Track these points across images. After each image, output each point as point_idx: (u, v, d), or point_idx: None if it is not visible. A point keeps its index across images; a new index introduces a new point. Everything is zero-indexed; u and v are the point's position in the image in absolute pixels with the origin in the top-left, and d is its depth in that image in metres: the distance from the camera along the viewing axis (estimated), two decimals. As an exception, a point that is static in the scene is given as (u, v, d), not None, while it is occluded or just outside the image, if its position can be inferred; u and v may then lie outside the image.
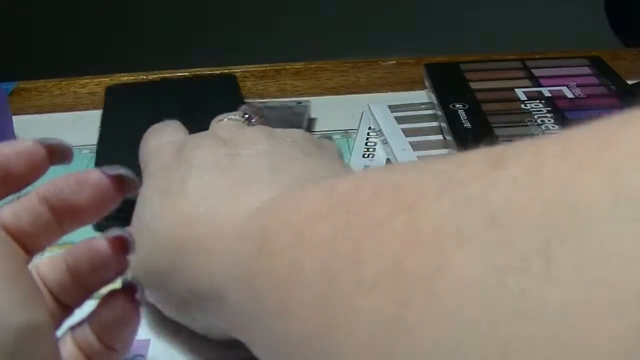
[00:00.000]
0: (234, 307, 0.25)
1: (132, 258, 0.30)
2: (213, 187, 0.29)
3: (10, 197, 0.25)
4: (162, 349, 0.32)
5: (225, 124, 0.35)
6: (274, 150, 0.31)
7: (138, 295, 0.26)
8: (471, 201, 0.16)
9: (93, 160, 0.46)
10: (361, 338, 0.18)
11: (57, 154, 0.25)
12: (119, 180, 0.25)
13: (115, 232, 0.25)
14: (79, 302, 0.27)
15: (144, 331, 0.32)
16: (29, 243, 0.24)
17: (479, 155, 0.18)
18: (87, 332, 0.26)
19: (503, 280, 0.14)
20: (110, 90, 0.53)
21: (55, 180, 0.25)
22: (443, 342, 0.15)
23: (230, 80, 0.54)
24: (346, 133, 0.50)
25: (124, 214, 0.29)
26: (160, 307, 0.31)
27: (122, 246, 0.25)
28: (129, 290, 0.26)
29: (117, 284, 0.27)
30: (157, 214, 0.29)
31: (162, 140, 0.34)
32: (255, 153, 0.30)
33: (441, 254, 0.16)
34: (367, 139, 0.48)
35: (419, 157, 0.44)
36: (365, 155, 0.46)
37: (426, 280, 0.16)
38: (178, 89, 0.53)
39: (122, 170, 0.25)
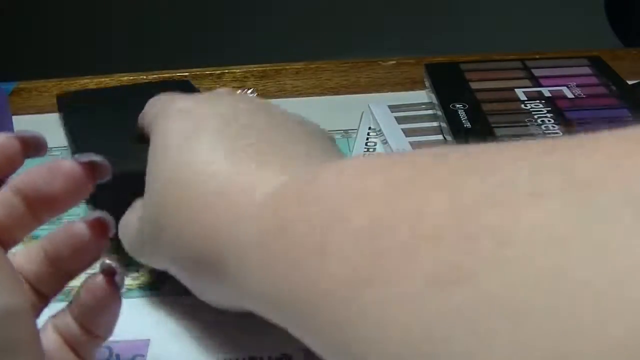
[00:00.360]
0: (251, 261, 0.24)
1: (144, 202, 0.30)
2: (246, 148, 0.28)
3: None
4: (162, 349, 0.32)
5: (238, 95, 0.34)
6: (305, 130, 0.30)
7: (117, 279, 0.26)
8: (552, 165, 0.16)
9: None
10: (414, 286, 0.17)
11: (32, 146, 0.25)
12: (90, 167, 0.25)
13: (93, 214, 0.26)
14: (56, 291, 0.27)
15: (144, 331, 0.32)
16: (4, 235, 0.24)
17: (559, 139, 0.18)
18: (68, 320, 0.26)
19: (586, 231, 0.14)
20: (62, 99, 0.49)
21: (28, 171, 0.25)
22: (509, 290, 0.15)
23: (186, 84, 0.51)
24: (346, 133, 0.50)
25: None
26: (175, 273, 0.30)
27: (101, 228, 0.26)
28: (108, 273, 0.26)
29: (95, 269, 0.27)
30: (177, 161, 0.28)
31: (174, 105, 0.32)
32: (285, 128, 0.30)
33: (515, 209, 0.16)
34: (367, 139, 0.48)
35: (419, 157, 0.43)
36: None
37: (495, 232, 0.16)
38: (134, 95, 0.50)
39: (93, 157, 0.25)
